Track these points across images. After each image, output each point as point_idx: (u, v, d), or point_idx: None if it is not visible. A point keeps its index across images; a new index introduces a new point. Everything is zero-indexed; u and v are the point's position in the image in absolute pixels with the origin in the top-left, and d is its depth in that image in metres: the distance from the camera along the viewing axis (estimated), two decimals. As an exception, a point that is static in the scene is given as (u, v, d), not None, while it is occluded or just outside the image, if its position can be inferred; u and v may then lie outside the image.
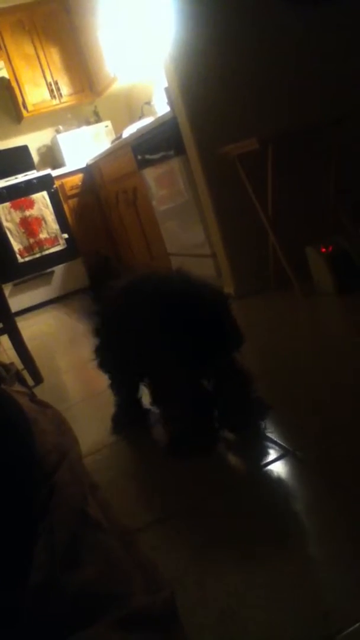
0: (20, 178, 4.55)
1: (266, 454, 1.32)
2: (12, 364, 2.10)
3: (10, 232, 4.40)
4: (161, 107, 3.92)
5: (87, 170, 4.72)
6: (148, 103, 4.49)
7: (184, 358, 1.32)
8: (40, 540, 0.52)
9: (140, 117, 4.44)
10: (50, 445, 0.62)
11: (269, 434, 1.40)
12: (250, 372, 1.43)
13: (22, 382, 2.04)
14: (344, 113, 2.51)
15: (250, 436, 1.41)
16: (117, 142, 4.07)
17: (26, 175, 4.62)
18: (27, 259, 4.46)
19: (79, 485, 0.60)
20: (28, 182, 4.47)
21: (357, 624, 0.79)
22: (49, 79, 4.87)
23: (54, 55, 4.86)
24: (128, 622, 0.49)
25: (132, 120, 4.60)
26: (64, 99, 4.94)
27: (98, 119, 5.17)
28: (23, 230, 4.43)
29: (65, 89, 4.93)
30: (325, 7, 2.68)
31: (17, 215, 4.40)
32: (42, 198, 4.45)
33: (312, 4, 2.66)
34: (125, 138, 3.74)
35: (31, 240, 4.46)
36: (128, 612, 0.50)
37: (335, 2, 2.68)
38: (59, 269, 4.59)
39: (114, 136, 4.85)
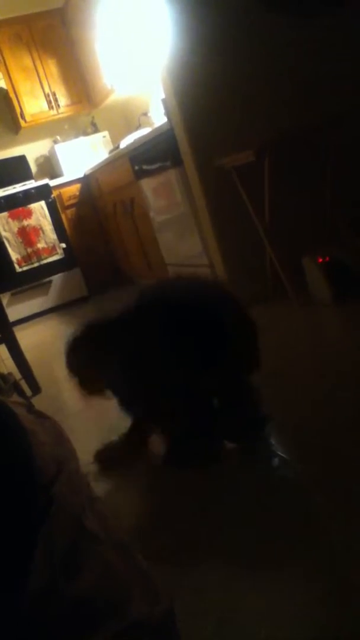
0: (18, 188, 4.56)
1: (267, 462, 1.33)
2: (10, 374, 2.11)
3: (8, 241, 4.41)
4: (158, 118, 3.95)
5: (85, 181, 4.74)
6: (145, 114, 4.52)
7: (183, 365, 1.31)
8: (39, 548, 0.52)
9: (137, 128, 4.47)
10: (48, 457, 0.62)
11: (266, 440, 1.40)
12: (258, 389, 1.42)
13: (20, 392, 2.05)
14: (341, 119, 2.53)
15: (252, 450, 1.41)
16: (114, 152, 4.09)
17: (24, 185, 4.64)
18: (25, 268, 4.47)
19: (77, 497, 0.60)
20: (26, 192, 4.49)
21: (356, 625, 0.80)
22: (47, 90, 4.90)
23: (52, 67, 4.90)
24: (127, 632, 0.49)
25: (129, 131, 4.63)
26: (61, 110, 4.97)
27: (95, 130, 5.20)
28: (21, 240, 4.44)
29: (62, 100, 4.96)
30: (319, 16, 2.71)
31: (15, 225, 4.41)
32: (40, 208, 4.46)
33: (305, 12, 2.69)
34: (123, 149, 3.76)
35: (29, 250, 4.47)
36: (127, 623, 0.50)
37: (329, 10, 2.71)
38: (56, 279, 4.59)
39: (111, 147, 4.88)
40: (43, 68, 4.87)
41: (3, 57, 4.74)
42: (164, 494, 1.37)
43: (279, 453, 1.35)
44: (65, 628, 0.49)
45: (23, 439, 0.62)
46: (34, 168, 5.12)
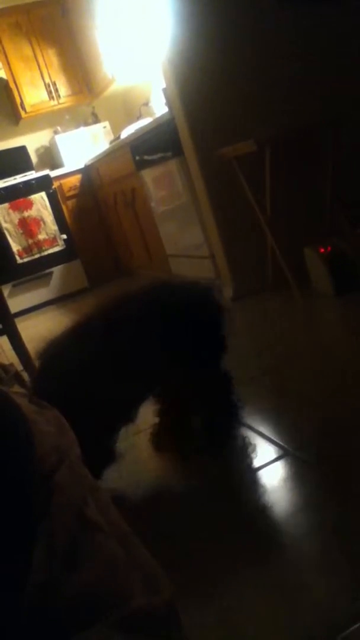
0: (19, 179, 4.55)
1: (266, 454, 1.33)
2: (11, 364, 2.11)
3: (9, 232, 4.40)
4: (159, 108, 3.92)
5: (86, 171, 4.72)
6: (146, 104, 4.49)
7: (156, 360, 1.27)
8: (40, 540, 0.52)
9: (138, 118, 4.45)
10: (50, 446, 0.62)
11: (269, 434, 1.40)
12: (232, 378, 1.40)
13: (22, 383, 2.04)
14: (342, 113, 2.51)
15: (230, 443, 1.40)
16: (115, 143, 4.07)
17: (25, 176, 4.62)
18: (25, 259, 4.46)
19: (78, 486, 0.60)
20: (26, 183, 4.47)
21: (358, 624, 0.79)
22: (47, 80, 4.87)
23: (52, 57, 4.87)
24: (128, 623, 0.49)
25: (130, 121, 4.60)
26: (62, 100, 4.94)
27: (96, 120, 5.17)
28: (22, 231, 4.43)
29: (63, 90, 4.93)
30: (322, 6, 2.68)
31: (15, 216, 4.40)
32: (40, 199, 4.45)
33: (308, 4, 2.67)
34: (124, 139, 3.74)
35: (30, 241, 4.45)
36: (128, 614, 0.50)
37: (331, 2, 2.68)
38: (57, 270, 4.59)
39: (112, 137, 4.85)
40: (43, 58, 4.83)
41: (3, 47, 4.71)
42: (167, 487, 1.37)
43: (279, 442, 1.35)
44: (67, 619, 0.49)
45: (24, 428, 0.62)
46: (34, 159, 5.10)
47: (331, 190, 2.60)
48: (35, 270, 4.51)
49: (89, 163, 4.62)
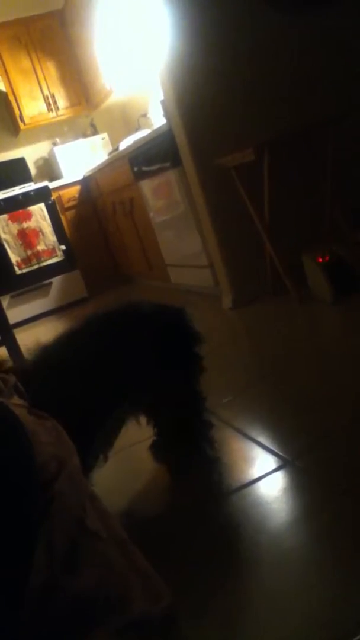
0: (18, 190, 4.57)
1: (265, 464, 1.32)
2: (10, 376, 2.10)
3: (8, 244, 4.41)
4: (157, 119, 3.95)
5: (84, 182, 4.75)
6: (144, 115, 4.52)
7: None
8: (40, 547, 0.52)
9: (136, 129, 4.47)
10: (49, 456, 0.62)
11: (268, 444, 1.40)
12: (203, 398, 1.39)
13: (21, 394, 2.04)
14: (340, 116, 2.53)
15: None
16: (113, 154, 4.09)
17: (23, 187, 4.64)
18: (24, 270, 4.47)
19: (78, 495, 0.60)
20: (25, 194, 4.49)
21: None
22: (46, 92, 4.90)
23: (51, 69, 4.91)
24: (128, 629, 0.49)
25: (128, 133, 4.63)
26: (60, 112, 4.98)
27: (95, 132, 5.20)
28: (21, 242, 4.44)
29: (61, 102, 4.97)
30: (317, 12, 2.71)
31: (14, 227, 4.41)
32: (39, 210, 4.47)
33: (304, 12, 2.70)
34: (122, 150, 3.76)
35: (29, 252, 4.47)
36: (128, 619, 0.50)
37: (327, 7, 2.71)
38: (56, 281, 4.59)
39: (110, 148, 4.88)
40: (42, 70, 4.87)
41: (2, 60, 4.75)
42: (167, 495, 1.36)
43: (278, 452, 1.35)
44: (66, 626, 0.49)
45: (24, 439, 0.62)
46: (33, 170, 5.13)
47: (329, 197, 2.61)
48: (34, 281, 4.51)
49: (88, 174, 4.64)
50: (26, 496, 0.53)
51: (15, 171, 4.86)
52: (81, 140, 5.06)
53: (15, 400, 1.11)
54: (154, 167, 3.26)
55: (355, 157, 2.71)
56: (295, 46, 2.71)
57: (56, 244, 4.52)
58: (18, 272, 4.45)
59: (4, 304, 4.21)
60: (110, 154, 4.51)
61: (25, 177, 4.88)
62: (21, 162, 4.95)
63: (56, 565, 0.51)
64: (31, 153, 5.17)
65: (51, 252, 4.52)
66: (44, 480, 0.57)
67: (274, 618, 0.87)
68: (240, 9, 2.64)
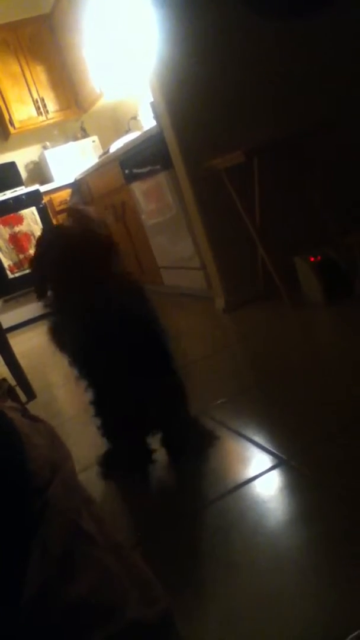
0: (9, 194, 4.55)
1: (261, 463, 1.32)
2: (4, 380, 2.10)
3: (0, 248, 4.40)
4: (147, 122, 3.95)
5: (76, 186, 4.74)
6: (134, 118, 4.52)
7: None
8: (34, 553, 0.52)
9: (126, 132, 4.47)
10: (43, 460, 0.62)
11: (264, 443, 1.40)
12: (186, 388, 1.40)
13: (14, 398, 2.03)
14: (328, 120, 2.54)
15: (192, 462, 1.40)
16: (104, 157, 4.09)
17: (14, 191, 4.63)
18: (17, 274, 4.45)
19: (72, 499, 0.60)
20: (17, 199, 4.48)
21: (356, 633, 0.79)
22: (35, 96, 4.90)
23: (40, 73, 4.90)
24: (124, 634, 0.49)
25: (118, 135, 4.63)
26: (50, 116, 4.97)
27: (85, 135, 5.20)
28: (12, 247, 4.43)
29: (51, 105, 4.96)
30: (303, 18, 2.72)
31: (6, 232, 4.40)
32: (31, 214, 4.46)
33: (291, 16, 2.71)
34: (113, 153, 3.76)
35: (21, 256, 4.45)
36: (124, 624, 0.50)
37: (314, 13, 2.72)
38: (49, 285, 4.57)
39: (101, 151, 4.88)
40: (31, 74, 4.87)
41: (-9, 64, 4.74)
42: (163, 496, 1.36)
43: (274, 451, 1.35)
44: (62, 632, 0.49)
45: (17, 442, 0.62)
46: (24, 174, 5.11)
47: (320, 199, 2.62)
48: (26, 285, 4.49)
49: (79, 177, 4.64)
50: (20, 501, 0.53)
51: (6, 175, 4.85)
52: (72, 144, 5.06)
53: (9, 403, 1.11)
54: (144, 170, 3.26)
55: (345, 158, 2.72)
56: (283, 50, 2.71)
57: (48, 247, 4.51)
58: (10, 276, 4.43)
59: (-3, 309, 4.20)
60: (100, 156, 4.50)
61: (16, 181, 4.87)
62: (12, 166, 4.94)
63: (51, 571, 0.51)
64: (22, 157, 5.16)
65: (43, 256, 4.51)
66: (38, 485, 0.57)
67: (270, 620, 0.87)
68: (228, 13, 2.65)
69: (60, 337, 1.38)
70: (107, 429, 1.41)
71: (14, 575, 0.50)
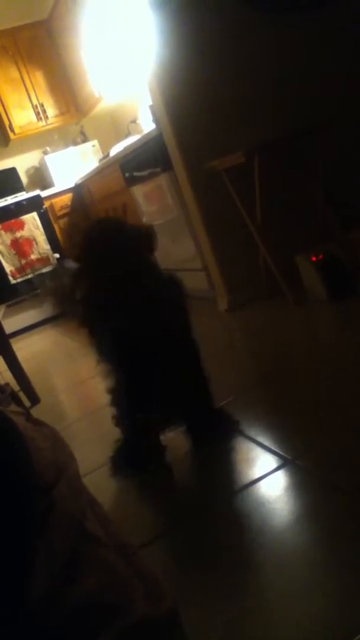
0: (10, 200, 4.56)
1: (266, 464, 1.32)
2: (7, 384, 2.10)
3: (2, 254, 4.40)
4: (147, 125, 3.95)
5: (76, 190, 4.75)
6: (134, 121, 4.53)
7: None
8: (40, 554, 0.51)
9: (126, 136, 4.48)
10: (47, 462, 0.62)
11: (269, 444, 1.40)
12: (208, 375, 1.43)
13: (18, 402, 2.04)
14: (327, 120, 2.54)
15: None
16: (104, 160, 4.10)
17: (15, 197, 4.64)
18: (19, 280, 4.46)
19: (77, 500, 0.60)
20: (18, 204, 4.49)
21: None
22: (35, 102, 4.91)
23: (39, 78, 4.92)
24: (130, 634, 0.49)
25: (118, 139, 4.64)
26: (50, 121, 4.98)
27: (85, 139, 5.21)
28: (14, 252, 4.43)
29: (51, 110, 4.97)
30: (303, 17, 2.72)
31: (7, 237, 4.41)
32: (32, 219, 4.46)
33: (290, 15, 2.71)
34: (113, 156, 3.77)
35: (23, 262, 4.46)
36: (130, 624, 0.50)
37: (313, 13, 2.73)
38: (51, 289, 4.58)
39: (101, 155, 4.89)
40: (30, 79, 4.88)
41: (-11, 71, 4.75)
42: (169, 498, 1.36)
43: (279, 451, 1.34)
44: (67, 632, 0.49)
45: (22, 445, 0.62)
46: (24, 179, 5.13)
47: (321, 198, 2.61)
48: (29, 290, 4.51)
49: (80, 182, 4.64)
50: (25, 503, 0.53)
51: (6, 181, 4.87)
52: (72, 148, 5.07)
53: (13, 408, 1.11)
54: (145, 172, 3.27)
55: (346, 157, 2.72)
56: (283, 50, 2.72)
57: (50, 252, 4.52)
58: (12, 281, 4.44)
59: (0, 314, 4.20)
60: (101, 160, 4.51)
61: (17, 187, 4.88)
62: (12, 172, 4.95)
63: (57, 571, 0.51)
64: (22, 162, 5.18)
65: (45, 261, 4.52)
66: (43, 487, 0.57)
67: (278, 619, 0.86)
68: (226, 15, 2.65)
69: (93, 318, 1.39)
70: (124, 418, 1.42)
71: (19, 576, 0.50)
